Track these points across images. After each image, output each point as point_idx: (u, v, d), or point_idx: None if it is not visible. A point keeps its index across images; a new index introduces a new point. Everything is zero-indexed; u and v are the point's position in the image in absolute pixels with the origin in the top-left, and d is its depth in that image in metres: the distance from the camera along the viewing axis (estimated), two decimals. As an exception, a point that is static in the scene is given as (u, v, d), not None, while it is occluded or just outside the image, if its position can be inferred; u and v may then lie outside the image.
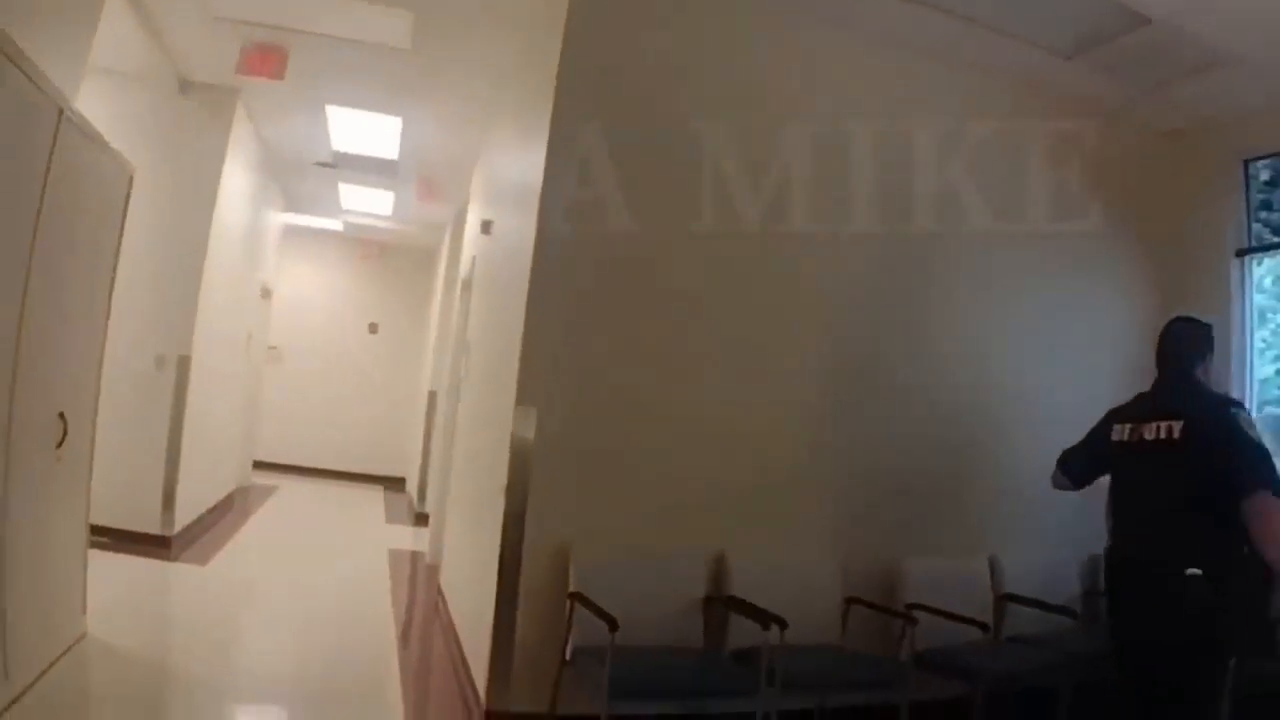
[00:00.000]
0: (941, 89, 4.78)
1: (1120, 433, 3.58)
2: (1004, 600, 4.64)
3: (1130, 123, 5.38)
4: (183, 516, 6.98)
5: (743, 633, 3.76)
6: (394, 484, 12.79)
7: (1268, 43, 4.40)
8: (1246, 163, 5.33)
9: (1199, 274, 5.41)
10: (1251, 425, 3.28)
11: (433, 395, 10.03)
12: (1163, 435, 3.37)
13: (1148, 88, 5.02)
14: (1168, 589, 3.21)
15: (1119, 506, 3.62)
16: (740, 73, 4.33)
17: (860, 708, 3.88)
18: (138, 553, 6.25)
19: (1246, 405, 4.97)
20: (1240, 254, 5.32)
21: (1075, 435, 3.83)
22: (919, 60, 4.74)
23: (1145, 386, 3.64)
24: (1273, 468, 3.19)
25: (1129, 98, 5.14)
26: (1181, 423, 3.32)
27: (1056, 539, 4.66)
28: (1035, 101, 5.03)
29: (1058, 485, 3.92)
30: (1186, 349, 3.55)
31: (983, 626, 4.08)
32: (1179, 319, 3.67)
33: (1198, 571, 3.14)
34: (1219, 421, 3.27)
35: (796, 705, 3.63)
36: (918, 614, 4.08)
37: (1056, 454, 3.90)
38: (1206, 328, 3.63)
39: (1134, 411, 3.58)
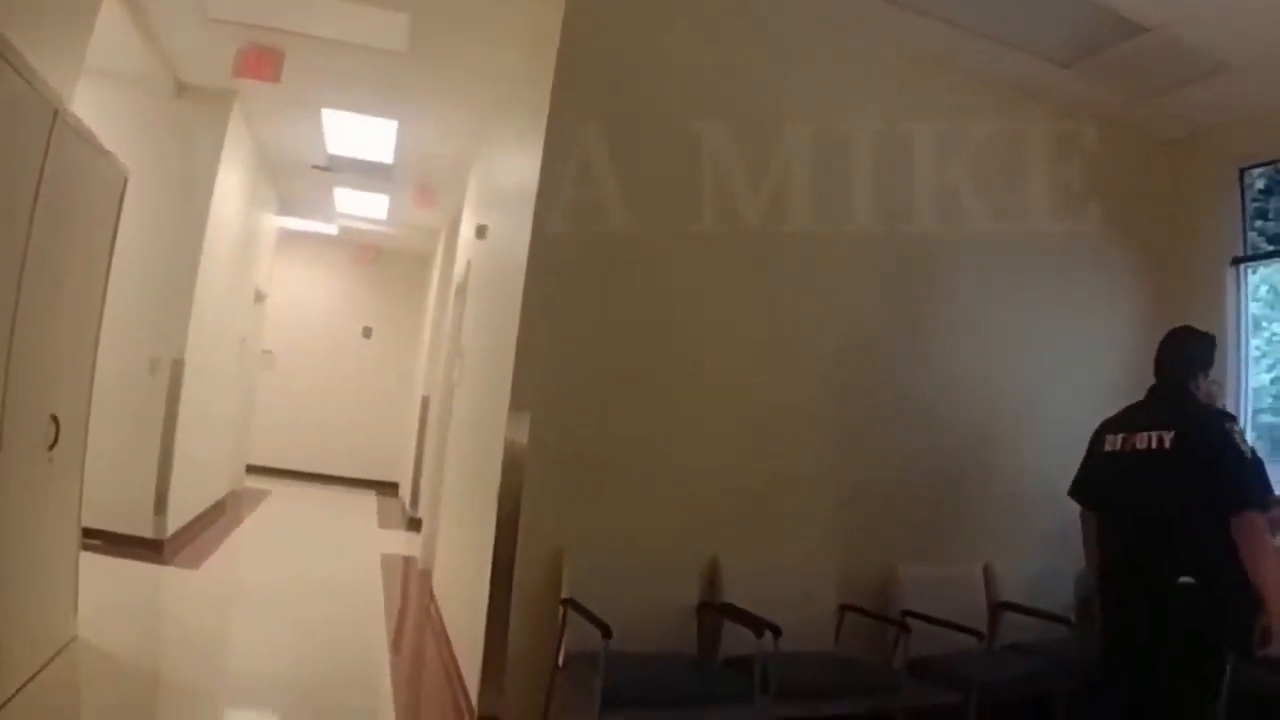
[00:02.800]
0: (938, 96, 4.78)
1: (1113, 443, 3.58)
2: (999, 608, 4.63)
3: (1127, 130, 5.40)
4: (175, 520, 6.94)
5: (736, 640, 3.73)
6: (387, 489, 12.77)
7: (1264, 51, 4.42)
8: (1242, 171, 5.34)
9: (1195, 282, 5.42)
10: (1244, 439, 3.29)
11: (426, 400, 10.02)
12: (1154, 445, 3.37)
13: (1145, 96, 5.03)
14: (1160, 597, 3.21)
15: (1111, 515, 3.61)
16: (738, 75, 4.33)
17: (854, 715, 3.84)
18: (129, 556, 6.21)
19: (1239, 416, 5.01)
20: (1235, 262, 5.33)
21: (1070, 443, 3.82)
22: (916, 66, 4.74)
23: (1140, 396, 3.64)
24: (1262, 483, 3.19)
25: (1126, 106, 5.16)
26: (1173, 433, 3.33)
27: (1051, 547, 4.65)
28: (1032, 109, 5.04)
29: (1084, 521, 3.80)
30: (1184, 360, 3.54)
31: (977, 634, 4.06)
32: (1182, 329, 3.66)
33: (1189, 580, 3.15)
34: (1211, 434, 3.28)
35: (790, 713, 3.59)
36: (912, 621, 4.08)
37: (1052, 462, 3.90)
38: (1208, 340, 3.62)
39: (1126, 421, 3.58)
